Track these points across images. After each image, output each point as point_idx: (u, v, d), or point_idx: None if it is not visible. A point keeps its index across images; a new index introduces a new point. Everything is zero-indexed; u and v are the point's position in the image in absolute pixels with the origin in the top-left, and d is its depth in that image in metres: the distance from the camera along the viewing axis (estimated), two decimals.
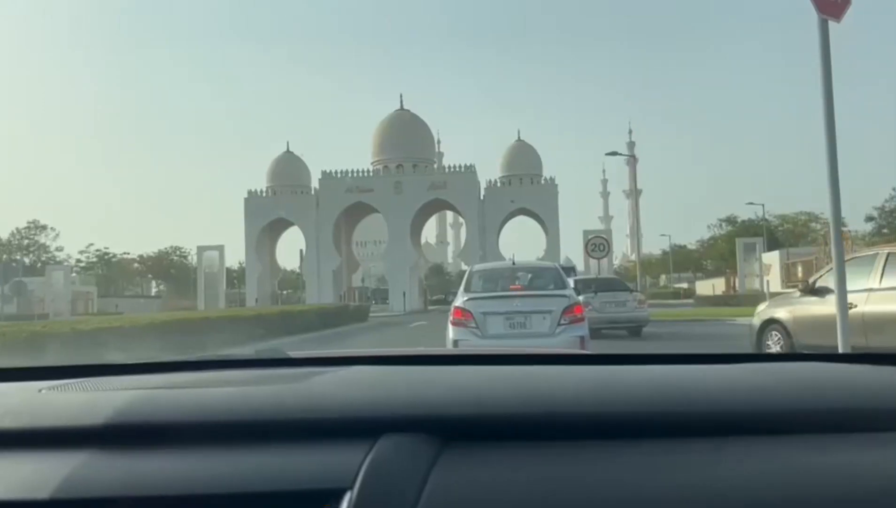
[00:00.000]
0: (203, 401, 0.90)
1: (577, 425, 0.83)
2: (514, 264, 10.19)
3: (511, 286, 9.52)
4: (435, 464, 0.76)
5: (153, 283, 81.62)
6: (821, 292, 8.81)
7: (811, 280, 9.48)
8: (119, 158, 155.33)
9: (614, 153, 32.78)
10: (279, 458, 0.78)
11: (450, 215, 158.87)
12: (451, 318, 8.84)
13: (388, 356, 1.41)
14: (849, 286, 8.15)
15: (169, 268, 73.75)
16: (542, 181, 57.20)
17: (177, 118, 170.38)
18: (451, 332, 8.68)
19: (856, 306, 8.01)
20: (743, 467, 0.75)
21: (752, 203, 56.80)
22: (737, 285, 53.29)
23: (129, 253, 73.62)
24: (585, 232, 57.82)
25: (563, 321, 8.59)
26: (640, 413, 0.84)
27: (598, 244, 31.31)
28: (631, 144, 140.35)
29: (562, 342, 8.34)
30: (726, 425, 0.82)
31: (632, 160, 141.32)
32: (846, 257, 8.44)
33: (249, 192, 58.68)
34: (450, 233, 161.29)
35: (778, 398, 0.87)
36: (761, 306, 10.32)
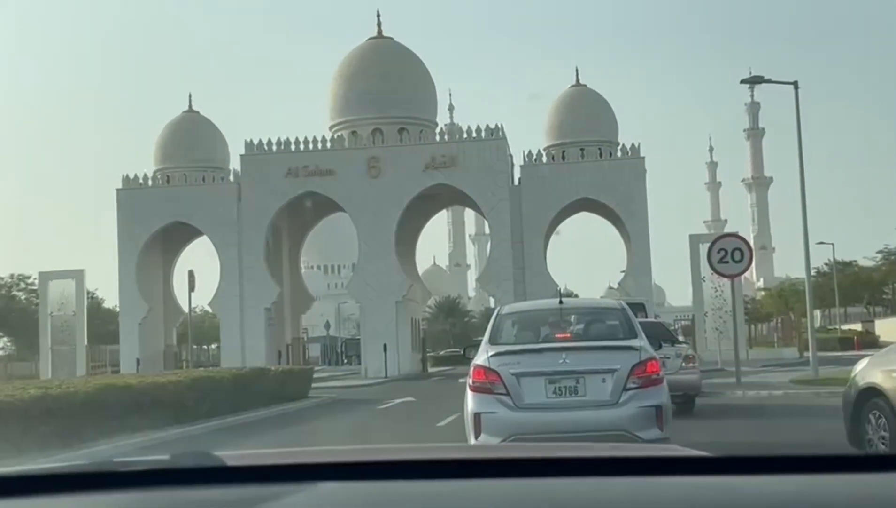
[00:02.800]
0: None
1: None
2: (561, 302, 10.84)
3: (557, 335, 10.32)
4: None
5: None
6: None
7: None
8: None
9: (757, 80, 26.90)
10: None
11: (470, 220, 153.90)
12: (469, 381, 9.57)
13: (369, 461, 1.46)
14: None
15: (7, 310, 68.98)
16: (619, 152, 51.45)
17: (14, 77, 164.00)
18: (469, 402, 9.43)
19: None
20: None
21: None
22: None
23: None
24: (692, 237, 51.95)
25: (630, 385, 9.17)
26: None
27: (730, 251, 25.79)
28: (754, 106, 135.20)
29: (630, 416, 9.08)
30: None
31: (753, 133, 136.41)
32: None
33: (125, 179, 53.30)
34: (470, 250, 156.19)
35: None
36: (860, 365, 10.04)
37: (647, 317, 22.26)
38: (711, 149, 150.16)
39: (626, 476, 1.35)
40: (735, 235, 26.56)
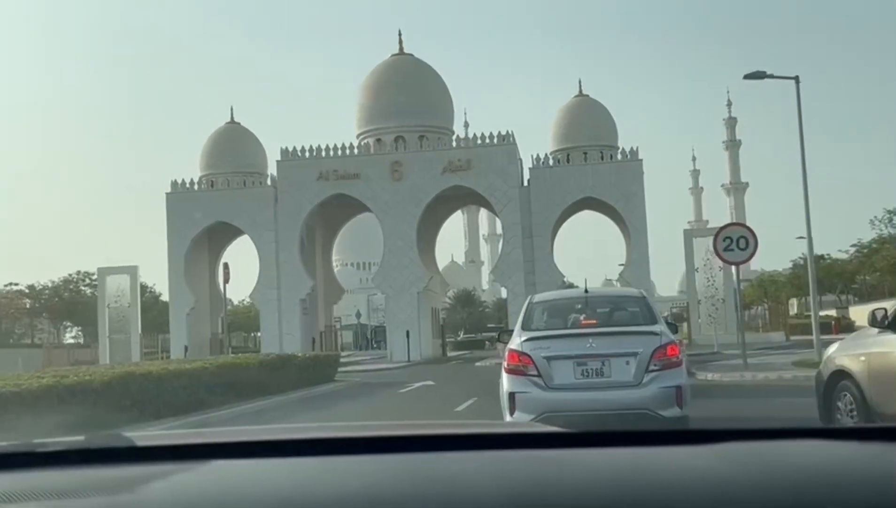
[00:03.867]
0: None
1: None
2: (587, 291, 10.17)
3: (583, 321, 9.63)
4: None
5: (63, 324, 75.06)
6: None
7: (891, 307, 8.63)
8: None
9: (759, 75, 24.01)
10: None
11: (483, 222, 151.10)
12: (504, 364, 9.14)
13: (272, 440, 1.33)
14: None
15: (74, 303, 66.57)
16: (619, 155, 48.44)
17: (75, 89, 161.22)
18: (505, 382, 9.01)
19: None
20: None
21: None
22: None
23: (16, 284, 66.38)
24: (686, 232, 49.11)
25: (652, 367, 8.70)
26: None
27: (736, 239, 23.01)
28: (731, 120, 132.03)
29: (651, 395, 8.56)
30: None
31: (731, 144, 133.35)
32: None
33: (174, 184, 50.65)
34: (484, 249, 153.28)
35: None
36: (831, 349, 9.35)
37: None
38: (694, 159, 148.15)
39: (479, 450, 1.26)
40: (740, 224, 23.66)
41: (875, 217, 58.65)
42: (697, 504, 0.95)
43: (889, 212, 57.14)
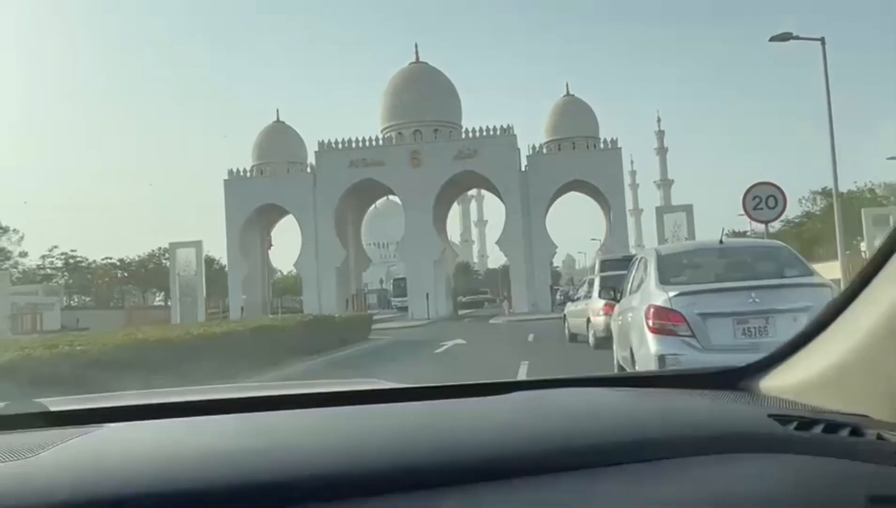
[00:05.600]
0: None
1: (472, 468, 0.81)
2: (721, 242, 6.76)
3: (736, 274, 6.34)
4: None
5: (152, 292, 68.81)
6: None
7: None
8: (94, 146, 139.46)
9: (786, 37, 17.93)
10: None
11: (474, 210, 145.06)
12: (649, 322, 5.77)
13: (172, 403, 1.14)
14: None
15: (157, 272, 60.14)
16: (602, 145, 42.13)
17: (151, 95, 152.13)
18: (652, 343, 5.71)
19: None
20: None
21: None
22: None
23: (110, 258, 60.20)
24: (658, 208, 42.92)
25: None
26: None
27: (765, 198, 16.69)
28: (661, 133, 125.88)
29: None
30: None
31: (660, 150, 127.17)
32: None
33: (230, 172, 44.45)
34: (474, 231, 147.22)
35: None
36: None
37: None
38: (632, 161, 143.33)
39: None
40: (770, 183, 17.47)
41: (802, 197, 52.50)
42: (487, 446, 0.86)
43: (814, 193, 51.03)
